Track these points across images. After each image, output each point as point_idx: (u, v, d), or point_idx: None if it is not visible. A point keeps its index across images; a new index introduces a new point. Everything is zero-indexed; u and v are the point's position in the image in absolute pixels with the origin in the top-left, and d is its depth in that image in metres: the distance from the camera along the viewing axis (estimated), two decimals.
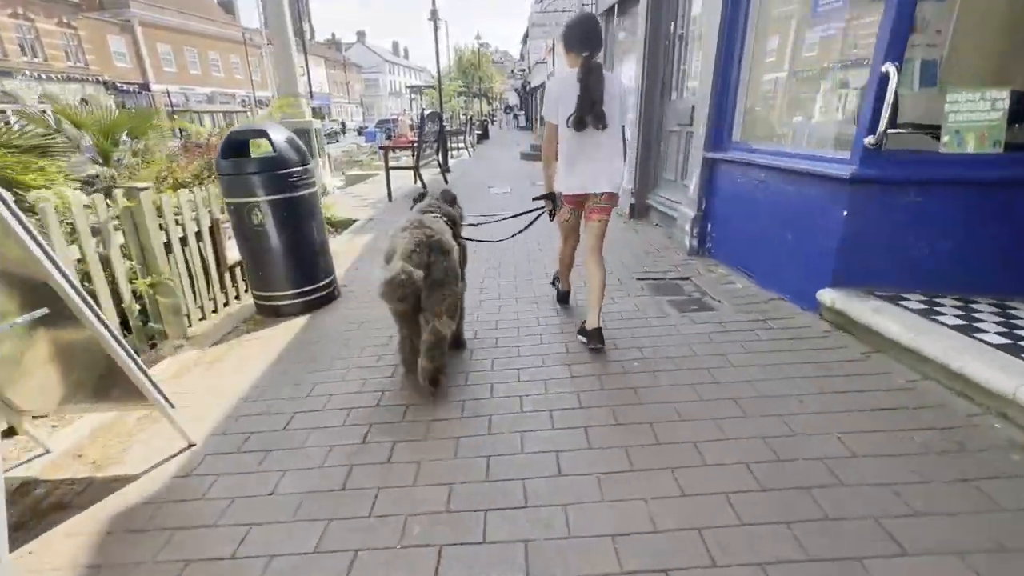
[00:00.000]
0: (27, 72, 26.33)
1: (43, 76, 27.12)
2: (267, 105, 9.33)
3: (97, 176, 5.62)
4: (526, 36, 30.91)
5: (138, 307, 3.14)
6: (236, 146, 3.21)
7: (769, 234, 3.22)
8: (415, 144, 7.78)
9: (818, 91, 3.12)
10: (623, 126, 2.61)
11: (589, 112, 2.40)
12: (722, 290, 3.35)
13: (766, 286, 3.28)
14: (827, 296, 2.66)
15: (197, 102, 36.03)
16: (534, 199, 2.91)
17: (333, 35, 71.31)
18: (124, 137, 6.08)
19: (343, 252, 5.00)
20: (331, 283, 3.62)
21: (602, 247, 2.73)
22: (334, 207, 6.51)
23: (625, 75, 7.76)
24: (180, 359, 2.85)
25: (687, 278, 3.65)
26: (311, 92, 25.81)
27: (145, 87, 33.90)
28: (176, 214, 3.44)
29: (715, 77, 3.70)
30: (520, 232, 3.30)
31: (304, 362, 2.69)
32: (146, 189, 3.05)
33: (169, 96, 34.00)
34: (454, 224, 2.58)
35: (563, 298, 3.27)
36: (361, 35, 77.43)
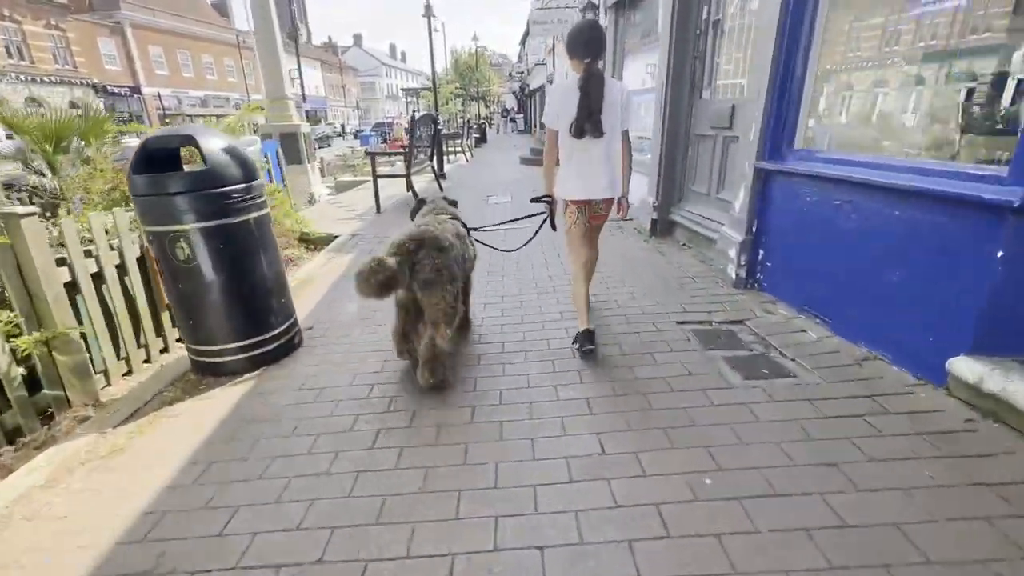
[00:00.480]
0: (13, 75, 25.59)
1: (30, 79, 26.39)
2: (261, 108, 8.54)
3: (39, 189, 4.88)
4: (524, 38, 30.26)
5: (23, 371, 2.37)
6: (157, 158, 2.45)
7: (857, 271, 2.46)
8: (406, 149, 7.01)
9: (936, 83, 2.36)
10: (625, 131, 2.56)
11: (587, 120, 2.39)
12: (792, 342, 2.59)
13: (852, 338, 2.52)
14: (967, 368, 1.90)
15: (190, 105, 35.29)
16: (532, 200, 2.78)
17: (330, 38, 70.65)
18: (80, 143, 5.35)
19: (318, 277, 4.23)
20: (290, 328, 2.85)
21: (597, 238, 2.78)
22: (312, 222, 5.74)
23: (637, 75, 7.04)
24: (66, 450, 2.06)
25: (740, 322, 2.88)
26: (304, 95, 25.12)
27: (136, 90, 33.17)
28: (89, 242, 2.68)
29: (773, 70, 2.94)
30: (527, 242, 3.36)
31: (229, 461, 1.91)
32: (30, 215, 2.28)
33: (161, 99, 33.28)
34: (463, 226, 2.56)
35: (586, 339, 2.55)
36: (358, 38, 76.79)
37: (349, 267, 4.53)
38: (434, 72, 12.63)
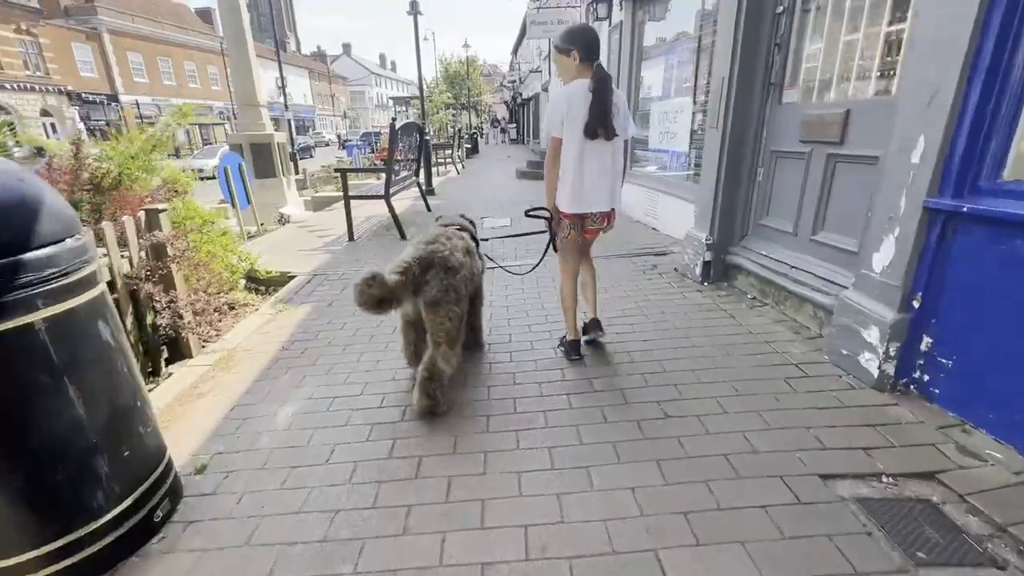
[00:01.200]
0: None
1: None
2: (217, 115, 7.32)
3: None
4: (516, 46, 29.29)
5: None
6: None
7: None
8: (384, 163, 5.79)
9: None
10: (626, 141, 2.48)
11: (600, 124, 2.29)
12: None
13: None
14: None
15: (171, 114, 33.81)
16: (527, 212, 2.73)
17: (319, 47, 69.60)
18: None
19: (246, 351, 2.96)
20: (139, 502, 1.57)
21: (590, 249, 2.70)
22: (257, 258, 4.45)
23: (655, 81, 5.95)
24: None
25: (931, 476, 1.67)
26: (286, 104, 23.85)
27: (114, 98, 31.80)
28: None
29: (970, 54, 1.77)
30: (535, 266, 3.12)
31: None
32: None
33: (139, 107, 31.82)
34: (474, 239, 2.53)
35: (572, 350, 2.65)
36: (347, 47, 75.77)
37: (297, 330, 3.27)
38: (420, 75, 11.47)
